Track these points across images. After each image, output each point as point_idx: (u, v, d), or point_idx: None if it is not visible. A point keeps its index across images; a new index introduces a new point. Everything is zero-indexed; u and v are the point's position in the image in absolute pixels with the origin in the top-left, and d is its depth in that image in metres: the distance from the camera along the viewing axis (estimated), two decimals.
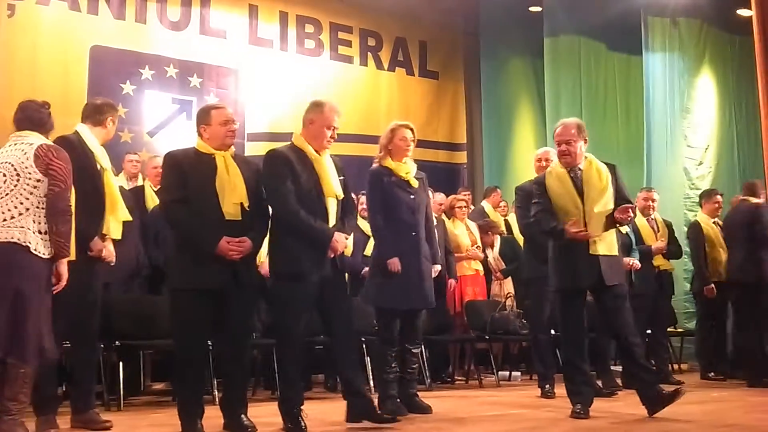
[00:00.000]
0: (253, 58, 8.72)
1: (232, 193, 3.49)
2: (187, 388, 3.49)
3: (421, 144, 9.44)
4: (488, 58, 10.13)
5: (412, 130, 4.48)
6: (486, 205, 7.81)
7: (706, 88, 8.71)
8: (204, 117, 3.62)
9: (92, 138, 3.88)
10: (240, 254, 3.43)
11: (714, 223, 6.55)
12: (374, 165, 4.45)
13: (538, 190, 4.23)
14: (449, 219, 6.78)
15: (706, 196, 6.81)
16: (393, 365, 4.31)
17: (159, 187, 3.74)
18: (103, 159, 3.89)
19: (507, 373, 6.91)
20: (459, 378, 6.70)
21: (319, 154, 3.76)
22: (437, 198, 7.16)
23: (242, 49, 8.70)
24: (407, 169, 4.41)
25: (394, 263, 4.20)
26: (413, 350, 4.50)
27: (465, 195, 7.55)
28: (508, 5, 9.50)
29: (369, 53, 9.72)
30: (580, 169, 4.13)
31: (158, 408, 4.81)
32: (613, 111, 9.26)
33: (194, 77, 8.27)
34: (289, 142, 3.84)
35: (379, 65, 9.77)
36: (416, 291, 4.29)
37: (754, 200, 6.11)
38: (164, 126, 8.04)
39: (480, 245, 6.79)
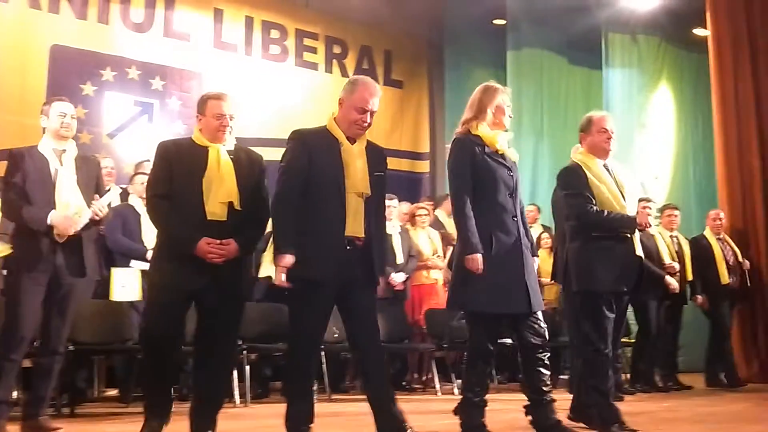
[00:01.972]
0: (218, 62, 8.67)
1: (219, 191, 3.18)
2: (153, 390, 3.26)
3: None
4: (452, 69, 10.24)
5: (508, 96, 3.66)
6: (440, 213, 7.84)
7: (664, 104, 8.93)
8: (201, 106, 3.34)
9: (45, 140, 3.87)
10: (221, 258, 3.13)
11: (671, 237, 6.69)
12: (457, 132, 3.57)
13: (584, 181, 3.72)
14: (413, 228, 6.84)
15: (661, 210, 6.95)
16: (486, 384, 3.52)
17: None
18: (53, 161, 3.84)
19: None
20: (417, 386, 6.73)
21: (354, 141, 3.23)
22: (402, 208, 7.23)
23: (206, 52, 8.64)
24: (501, 139, 3.53)
25: (478, 260, 3.34)
26: (544, 360, 3.47)
27: (427, 204, 7.59)
28: (473, 17, 9.61)
29: (334, 60, 9.74)
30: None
31: (111, 416, 4.74)
32: (573, 124, 9.30)
33: (156, 80, 8.19)
34: (320, 126, 3.32)
35: (344, 73, 9.79)
36: (521, 290, 3.42)
37: None
38: (125, 128, 7.94)
39: (441, 254, 6.84)
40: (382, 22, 9.80)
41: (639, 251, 3.73)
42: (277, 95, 9.02)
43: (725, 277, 6.62)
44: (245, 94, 8.58)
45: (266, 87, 8.91)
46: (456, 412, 3.49)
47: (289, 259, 3.10)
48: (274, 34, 9.26)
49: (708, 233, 6.84)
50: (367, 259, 3.23)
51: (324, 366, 5.64)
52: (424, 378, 6.85)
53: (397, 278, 6.36)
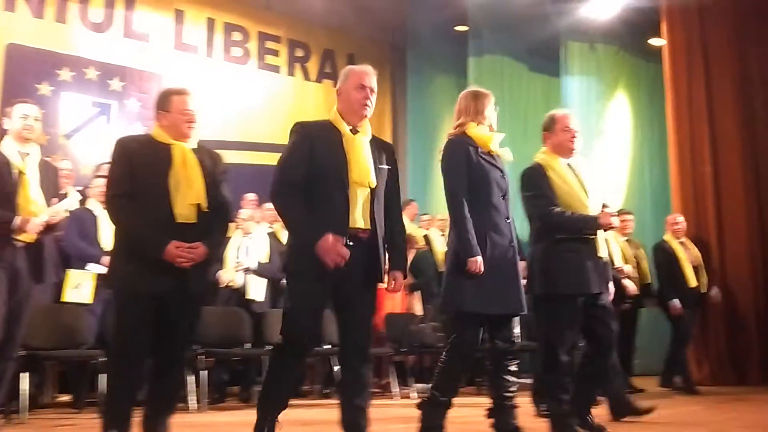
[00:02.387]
0: (178, 64, 8.59)
1: (188, 192, 3.04)
2: (117, 400, 3.06)
3: None
4: (415, 74, 10.30)
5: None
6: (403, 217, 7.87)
7: (621, 111, 9.11)
8: (163, 102, 3.16)
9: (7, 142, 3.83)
10: (190, 262, 3.00)
11: (627, 241, 6.81)
12: (451, 134, 3.57)
13: (546, 182, 3.72)
14: None
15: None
16: (456, 387, 3.48)
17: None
18: (15, 162, 3.81)
19: (422, 385, 6.99)
20: (375, 390, 6.74)
21: (356, 132, 3.13)
22: None
23: (167, 53, 8.56)
24: (494, 141, 3.53)
25: (479, 263, 3.32)
26: (510, 366, 3.45)
27: None
28: (435, 23, 9.69)
29: (297, 64, 9.73)
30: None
31: (63, 422, 4.66)
32: (533, 130, 9.41)
33: (115, 80, 8.09)
34: (324, 119, 3.22)
35: (306, 76, 9.79)
36: (515, 291, 3.43)
37: None
38: (82, 129, 7.83)
39: None
40: (345, 26, 9.81)
41: (602, 253, 3.71)
42: (238, 98, 8.97)
43: (692, 281, 6.66)
44: (206, 96, 8.52)
45: (227, 89, 8.86)
46: (419, 407, 3.47)
47: (324, 241, 2.93)
48: (236, 36, 9.21)
49: (669, 238, 6.93)
50: (372, 254, 3.09)
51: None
52: (382, 382, 6.87)
53: None
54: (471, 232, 3.34)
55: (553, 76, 9.36)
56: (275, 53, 9.53)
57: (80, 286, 5.00)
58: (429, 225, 8.03)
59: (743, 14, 8.07)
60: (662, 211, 8.04)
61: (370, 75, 3.15)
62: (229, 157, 8.02)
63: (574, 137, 3.77)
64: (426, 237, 7.68)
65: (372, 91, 3.13)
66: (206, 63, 8.87)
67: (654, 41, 8.78)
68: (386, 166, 3.17)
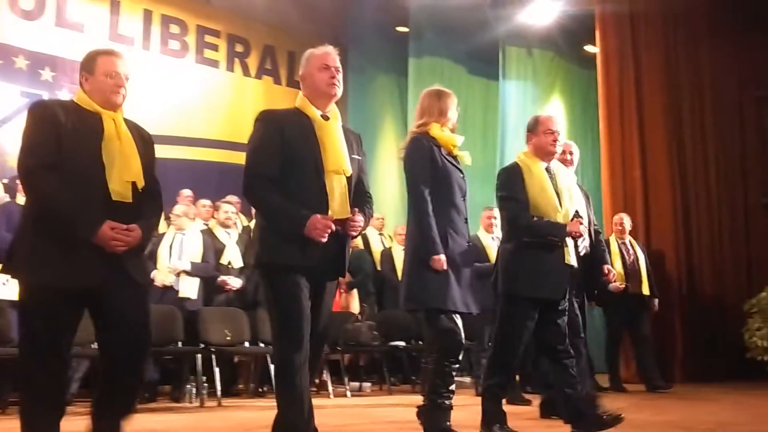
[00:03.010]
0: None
1: (125, 168, 2.70)
2: (36, 411, 2.62)
3: None
4: (355, 73, 10.30)
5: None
6: None
7: (556, 115, 9.27)
8: (87, 64, 2.80)
9: None
10: (125, 246, 2.65)
11: None
12: (415, 132, 3.53)
13: (520, 184, 3.72)
14: None
15: None
16: (451, 386, 3.40)
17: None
18: None
19: (357, 384, 7.02)
20: (311, 389, 6.72)
21: (327, 118, 2.97)
22: None
23: (101, 44, 8.32)
24: (456, 142, 3.52)
25: (442, 261, 3.30)
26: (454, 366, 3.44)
27: None
28: (377, 23, 9.72)
29: (236, 59, 9.62)
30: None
31: None
32: (471, 133, 9.64)
33: (46, 70, 7.84)
34: (291, 107, 3.05)
35: (246, 72, 9.69)
36: (472, 292, 3.44)
37: None
38: (9, 120, 7.56)
39: None
40: (286, 22, 9.75)
41: (571, 260, 3.70)
42: (175, 91, 8.81)
43: (621, 281, 6.70)
44: (142, 89, 8.35)
45: (164, 83, 8.69)
46: (419, 416, 3.41)
47: (313, 221, 2.77)
48: (174, 29, 9.04)
49: (612, 239, 7.02)
50: (341, 245, 2.95)
51: (216, 369, 5.56)
52: (317, 381, 6.85)
53: None
54: (434, 229, 3.32)
55: (492, 80, 9.52)
56: (214, 48, 9.40)
57: (9, 282, 4.82)
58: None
59: (673, 23, 8.39)
60: (594, 213, 8.23)
61: (332, 54, 3.02)
62: (165, 152, 7.88)
63: (555, 141, 3.79)
64: (363, 236, 7.69)
65: (337, 70, 2.99)
66: (143, 55, 8.68)
67: (589, 48, 9.02)
68: (357, 157, 3.04)
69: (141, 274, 2.84)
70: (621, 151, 8.03)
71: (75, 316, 2.69)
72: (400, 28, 9.83)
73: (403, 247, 7.43)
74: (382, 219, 8.40)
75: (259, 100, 9.67)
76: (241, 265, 6.43)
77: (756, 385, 6.60)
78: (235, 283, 6.33)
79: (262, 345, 5.99)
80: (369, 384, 7.14)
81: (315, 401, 2.97)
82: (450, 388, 3.36)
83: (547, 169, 3.79)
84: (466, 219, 3.48)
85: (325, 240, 2.80)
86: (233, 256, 6.40)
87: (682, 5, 8.41)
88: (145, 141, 2.89)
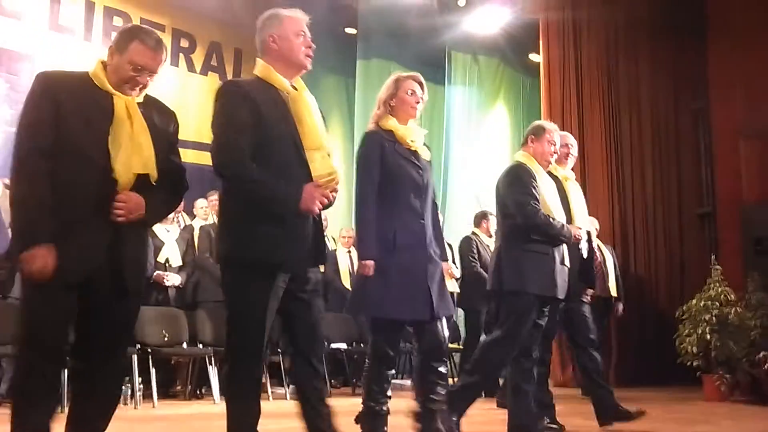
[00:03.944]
0: (53, 45, 8.14)
1: (133, 159, 2.40)
2: (30, 412, 2.37)
3: None
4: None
5: (421, 84, 3.34)
6: None
7: (500, 121, 9.46)
8: (122, 42, 2.48)
9: None
10: (126, 216, 2.37)
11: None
12: (370, 126, 3.33)
13: (533, 183, 3.72)
14: None
15: (480, 216, 7.19)
16: (388, 393, 3.30)
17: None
18: None
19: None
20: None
21: (295, 89, 2.65)
22: None
23: (40, 34, 8.09)
24: (413, 135, 3.29)
25: (369, 266, 3.14)
26: (440, 369, 3.29)
27: None
28: (326, 24, 9.64)
29: (181, 54, 9.44)
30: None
31: None
32: None
33: None
34: (251, 77, 2.70)
35: (190, 67, 9.52)
36: (423, 297, 3.20)
37: None
38: None
39: None
40: (233, 19, 9.62)
41: (567, 261, 3.79)
42: None
43: None
44: None
45: None
46: (358, 421, 3.32)
47: (309, 191, 2.48)
48: (117, 21, 8.81)
49: None
50: (318, 227, 2.68)
51: (153, 371, 5.46)
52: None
53: None
54: (370, 233, 3.17)
55: (438, 84, 9.60)
56: None
57: None
58: None
59: (614, 35, 8.61)
60: None
61: (305, 21, 2.72)
62: None
63: (554, 153, 3.87)
64: None
65: (311, 40, 2.70)
66: (84, 47, 8.45)
67: (533, 56, 9.18)
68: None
69: (137, 272, 2.53)
70: None
71: (70, 313, 2.42)
72: (348, 30, 9.82)
73: (347, 250, 7.49)
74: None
75: (204, 96, 9.51)
76: (180, 263, 6.33)
77: (686, 389, 6.82)
78: (174, 279, 6.22)
79: (200, 346, 5.91)
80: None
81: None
82: (387, 393, 3.28)
83: (555, 178, 3.95)
84: (422, 218, 3.24)
85: (318, 211, 2.54)
86: (171, 254, 6.29)
87: (623, 18, 8.65)
88: (166, 118, 2.59)
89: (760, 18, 8.62)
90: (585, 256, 4.03)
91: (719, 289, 6.46)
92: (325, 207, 2.62)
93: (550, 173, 4.03)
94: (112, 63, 2.49)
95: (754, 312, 6.52)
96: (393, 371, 3.32)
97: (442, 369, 3.30)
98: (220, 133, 2.56)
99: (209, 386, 5.99)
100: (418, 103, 3.30)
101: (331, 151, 2.69)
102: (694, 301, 6.55)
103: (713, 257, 6.97)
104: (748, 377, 6.30)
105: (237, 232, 2.55)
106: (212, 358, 5.85)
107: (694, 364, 6.39)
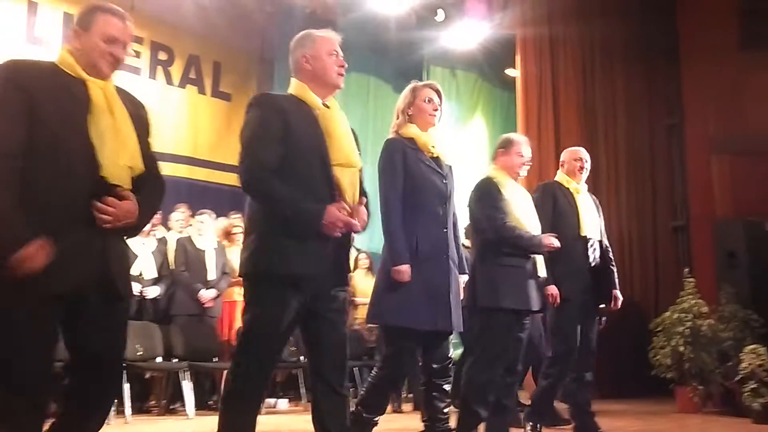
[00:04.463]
0: (29, 58, 8.08)
1: (120, 150, 2.21)
2: None
3: (209, 165, 9.45)
4: (282, 85, 10.21)
5: (438, 92, 3.38)
6: None
7: (478, 135, 9.53)
8: (85, 18, 2.31)
9: None
10: (114, 223, 2.18)
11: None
12: (391, 135, 3.34)
13: (500, 196, 3.84)
14: (228, 244, 6.79)
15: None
16: (385, 407, 3.31)
17: None
18: None
19: (273, 401, 6.94)
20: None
21: (327, 107, 2.63)
22: (219, 223, 7.16)
23: (17, 46, 8.05)
24: (434, 142, 3.29)
25: (404, 272, 3.08)
26: (445, 386, 3.30)
27: (235, 218, 7.40)
28: None
29: (159, 67, 9.43)
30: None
31: None
32: None
33: None
34: (284, 93, 2.72)
35: (169, 80, 9.51)
36: (444, 308, 3.17)
37: None
38: None
39: None
40: (212, 32, 9.63)
41: (542, 272, 3.82)
42: None
43: None
44: None
45: None
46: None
47: (332, 212, 2.44)
48: None
49: None
50: (343, 246, 2.61)
51: (126, 385, 5.41)
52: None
53: (207, 295, 6.28)
54: (400, 238, 3.11)
55: None
56: (137, 55, 9.18)
57: None
58: None
59: (590, 50, 8.74)
60: None
61: (339, 42, 2.73)
62: None
63: (524, 165, 3.89)
64: None
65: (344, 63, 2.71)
66: None
67: (510, 71, 9.28)
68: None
69: (126, 282, 2.35)
70: (538, 171, 8.25)
71: (53, 331, 2.18)
72: None
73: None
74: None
75: (182, 109, 9.51)
76: (155, 276, 6.30)
77: (660, 401, 6.88)
78: (153, 292, 6.18)
79: (175, 360, 5.87)
80: (286, 401, 7.07)
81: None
82: (382, 408, 3.25)
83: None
84: (445, 227, 3.22)
85: (340, 235, 2.48)
86: (145, 267, 6.25)
87: (598, 35, 8.78)
88: (136, 108, 2.43)
89: (730, 37, 8.81)
90: (592, 264, 4.18)
91: (692, 302, 6.54)
92: (351, 232, 2.59)
93: (561, 186, 4.25)
94: (79, 45, 2.28)
95: (726, 324, 6.62)
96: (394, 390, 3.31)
97: (447, 387, 3.28)
98: (246, 146, 2.54)
99: (183, 401, 5.94)
100: (435, 110, 3.31)
101: (361, 169, 2.67)
102: (668, 314, 6.62)
103: (686, 270, 7.06)
104: (720, 389, 6.38)
105: (258, 246, 2.52)
106: (186, 373, 5.80)
107: (668, 376, 6.45)
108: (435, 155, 3.28)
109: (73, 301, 2.16)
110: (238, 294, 6.60)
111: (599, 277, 4.30)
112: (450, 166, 3.40)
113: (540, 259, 3.84)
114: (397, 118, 3.37)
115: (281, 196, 2.46)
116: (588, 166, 4.62)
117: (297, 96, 2.65)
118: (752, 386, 5.55)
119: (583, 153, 4.69)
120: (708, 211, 8.56)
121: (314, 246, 2.48)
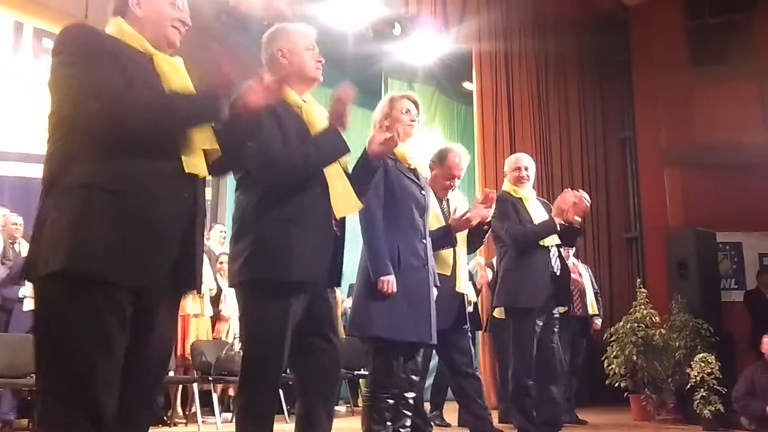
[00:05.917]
0: None
1: (197, 132, 1.96)
2: None
3: None
4: None
5: (416, 104, 3.26)
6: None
7: (435, 148, 9.57)
8: None
9: None
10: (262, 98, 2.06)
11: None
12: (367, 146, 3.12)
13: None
14: None
15: None
16: (386, 420, 3.13)
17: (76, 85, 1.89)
18: None
19: (230, 414, 6.85)
20: (180, 420, 6.51)
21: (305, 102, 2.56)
22: None
23: None
24: (411, 153, 3.21)
25: (390, 282, 3.00)
26: (409, 399, 3.23)
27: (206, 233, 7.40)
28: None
29: None
30: None
31: None
32: (352, 163, 9.79)
33: None
34: None
35: None
36: (426, 320, 3.10)
37: None
38: None
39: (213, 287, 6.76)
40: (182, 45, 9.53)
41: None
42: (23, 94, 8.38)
43: None
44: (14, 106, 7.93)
45: (40, 100, 8.27)
46: None
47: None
48: (47, 42, 8.63)
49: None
50: (338, 247, 2.53)
51: None
52: (187, 412, 6.66)
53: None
54: (383, 249, 3.03)
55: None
56: None
57: None
58: None
59: (544, 65, 8.89)
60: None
61: (314, 36, 2.65)
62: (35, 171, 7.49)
63: (456, 177, 3.87)
64: None
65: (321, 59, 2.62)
66: (12, 66, 8.23)
67: (467, 85, 9.37)
68: None
69: (195, 278, 1.99)
70: (495, 181, 8.36)
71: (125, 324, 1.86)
72: None
73: None
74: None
75: None
76: None
77: (614, 409, 6.99)
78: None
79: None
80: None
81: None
82: (385, 422, 3.09)
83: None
84: (423, 238, 3.15)
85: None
86: None
87: (552, 50, 8.94)
88: None
89: (681, 53, 9.05)
90: (558, 273, 4.17)
91: (645, 312, 6.64)
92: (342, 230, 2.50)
93: (510, 195, 4.27)
94: (142, 15, 1.97)
95: (678, 333, 6.74)
96: (393, 401, 3.12)
97: (411, 399, 3.23)
98: (266, 150, 2.45)
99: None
100: (413, 121, 3.22)
101: (346, 160, 2.61)
102: (621, 324, 6.72)
103: (639, 281, 7.19)
104: (673, 397, 6.49)
105: (254, 252, 2.39)
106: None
107: (622, 384, 6.53)
108: (412, 167, 3.22)
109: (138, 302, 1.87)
110: (189, 308, 6.50)
111: (557, 283, 4.34)
112: (426, 178, 3.35)
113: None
114: (374, 129, 3.25)
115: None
116: (531, 172, 4.52)
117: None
118: (702, 394, 5.65)
119: (523, 160, 4.56)
120: (661, 222, 8.75)
121: (316, 250, 2.41)
